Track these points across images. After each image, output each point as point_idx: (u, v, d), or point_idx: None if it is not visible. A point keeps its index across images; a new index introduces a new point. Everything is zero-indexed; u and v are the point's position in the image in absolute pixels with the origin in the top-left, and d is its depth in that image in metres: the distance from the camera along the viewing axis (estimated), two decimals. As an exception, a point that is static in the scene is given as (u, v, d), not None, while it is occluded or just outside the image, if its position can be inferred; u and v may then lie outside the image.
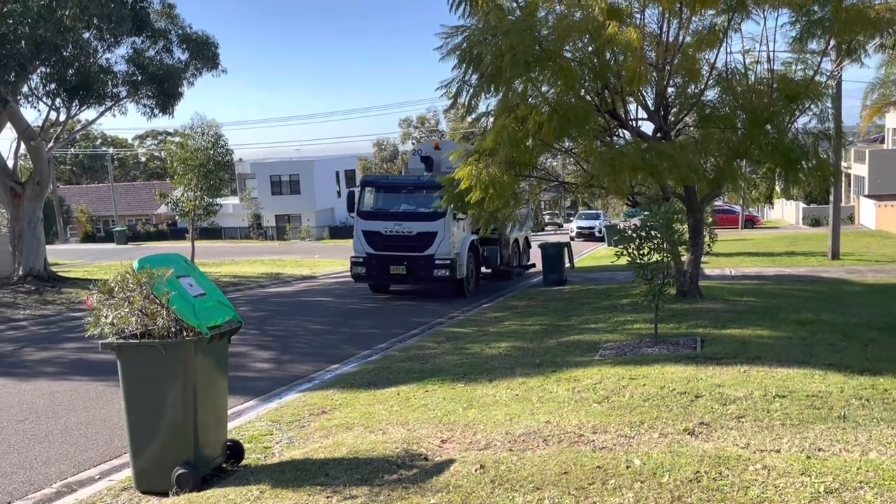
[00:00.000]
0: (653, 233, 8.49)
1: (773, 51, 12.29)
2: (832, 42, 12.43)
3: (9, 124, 19.41)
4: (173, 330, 4.78)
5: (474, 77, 11.41)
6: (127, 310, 4.74)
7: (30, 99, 19.44)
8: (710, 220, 22.72)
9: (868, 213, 37.61)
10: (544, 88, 11.43)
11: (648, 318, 9.57)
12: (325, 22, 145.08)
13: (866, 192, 39.23)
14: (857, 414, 5.40)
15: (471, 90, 11.63)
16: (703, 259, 15.92)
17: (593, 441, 5.11)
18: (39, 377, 9.26)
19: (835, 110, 13.57)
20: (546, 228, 55.76)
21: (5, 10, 16.34)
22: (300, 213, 54.88)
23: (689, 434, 5.12)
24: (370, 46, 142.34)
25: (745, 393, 6.06)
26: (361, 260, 16.57)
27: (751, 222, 46.08)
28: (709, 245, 21.46)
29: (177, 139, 27.76)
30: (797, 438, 4.88)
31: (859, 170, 41.92)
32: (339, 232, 50.94)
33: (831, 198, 22.65)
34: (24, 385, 8.81)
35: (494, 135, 11.49)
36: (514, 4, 12.91)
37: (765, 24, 12.03)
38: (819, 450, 4.65)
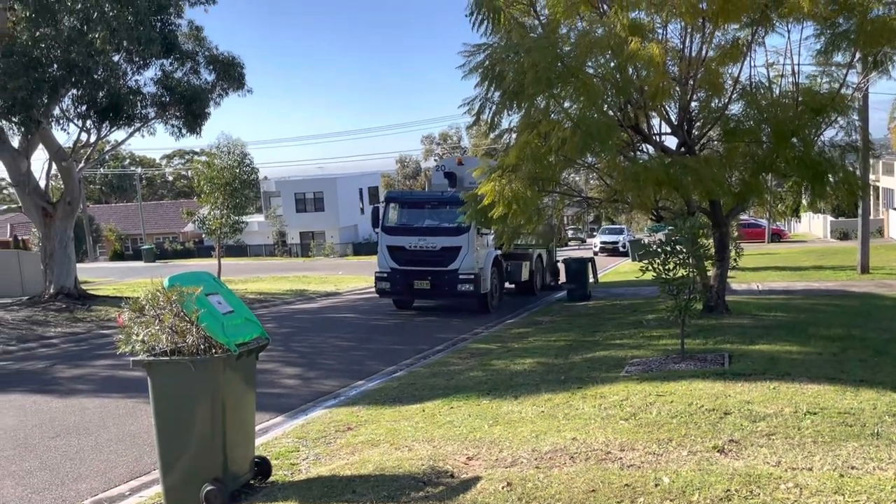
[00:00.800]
0: (678, 247, 8.44)
1: (798, 64, 12.21)
2: (858, 54, 12.31)
3: (41, 146, 19.84)
4: (202, 347, 4.85)
5: (497, 94, 11.48)
6: (157, 327, 4.81)
7: (61, 121, 19.87)
8: (736, 234, 22.50)
9: (898, 225, 36.99)
10: (567, 104, 11.45)
11: (675, 333, 9.50)
12: (347, 42, 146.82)
13: (895, 205, 38.58)
14: (891, 431, 5.30)
15: (493, 107, 11.69)
16: (730, 274, 15.74)
17: (621, 458, 5.07)
18: (71, 394, 9.41)
19: (862, 123, 13.43)
20: (569, 244, 55.54)
21: (38, 34, 16.77)
22: (324, 229, 55.29)
23: (718, 452, 5.06)
24: (392, 65, 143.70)
25: (775, 410, 5.98)
26: (386, 275, 16.66)
27: (777, 236, 45.55)
28: (735, 260, 21.23)
29: (203, 158, 28.18)
30: (829, 456, 4.81)
31: (888, 182, 41.30)
32: (363, 248, 51.22)
33: (859, 211, 22.31)
34: (56, 402, 8.95)
35: (517, 150, 11.52)
36: (536, 22, 12.98)
37: (789, 37, 11.97)
38: (852, 468, 4.58)
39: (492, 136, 14.34)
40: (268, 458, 5.59)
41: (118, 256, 58.84)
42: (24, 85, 15.67)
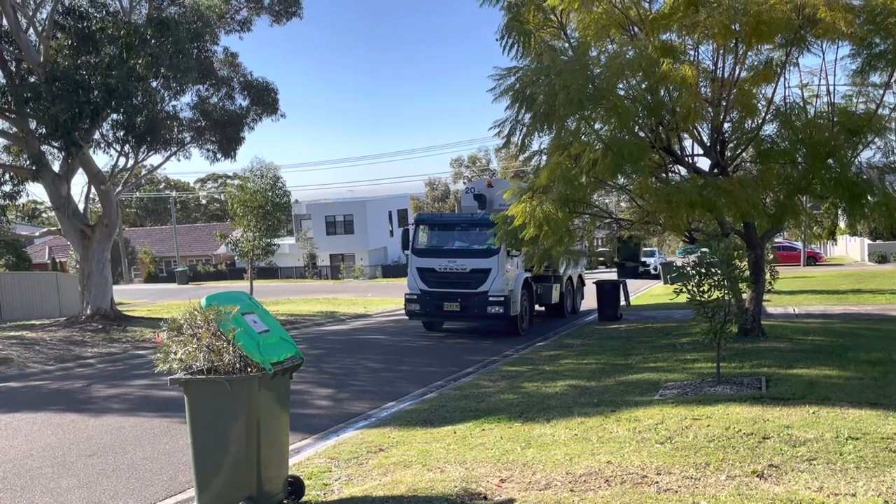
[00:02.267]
0: (713, 269, 8.34)
1: (834, 84, 12.09)
2: (895, 75, 12.15)
3: (80, 170, 20.36)
4: (238, 366, 4.90)
5: (527, 116, 11.53)
6: (195, 346, 4.88)
7: (101, 145, 20.40)
8: (771, 256, 22.15)
9: (939, 248, 36.13)
10: (598, 126, 11.45)
11: (710, 356, 9.35)
12: (378, 65, 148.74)
13: (936, 227, 37.73)
14: (938, 458, 5.15)
15: (524, 129, 11.74)
16: (765, 297, 15.49)
17: (657, 482, 4.99)
18: (107, 413, 9.54)
19: (900, 143, 13.19)
20: (599, 266, 55.13)
21: (79, 61, 17.29)
22: (354, 252, 55.70)
23: (757, 476, 4.96)
24: (423, 88, 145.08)
25: (815, 434, 5.85)
26: (415, 297, 16.69)
27: (813, 259, 44.75)
28: (770, 282, 20.88)
29: (237, 182, 28.65)
30: (873, 482, 4.68)
31: (928, 204, 40.41)
32: (392, 271, 51.46)
33: (899, 233, 21.85)
34: (92, 420, 9.09)
35: (548, 172, 11.53)
36: (566, 45, 13.05)
37: (823, 57, 11.86)
38: (898, 495, 4.45)
39: (522, 158, 14.41)
40: (301, 477, 5.60)
41: (152, 278, 59.83)
42: (67, 109, 16.12)
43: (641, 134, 11.80)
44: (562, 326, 17.91)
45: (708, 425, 6.38)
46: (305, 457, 6.81)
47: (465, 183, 64.06)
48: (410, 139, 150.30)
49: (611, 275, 28.19)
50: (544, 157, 12.61)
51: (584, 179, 11.67)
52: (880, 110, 11.88)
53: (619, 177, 12.41)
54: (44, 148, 18.97)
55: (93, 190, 20.98)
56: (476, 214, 17.29)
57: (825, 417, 6.40)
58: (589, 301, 20.89)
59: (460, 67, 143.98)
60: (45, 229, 28.65)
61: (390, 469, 6.08)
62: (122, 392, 11.13)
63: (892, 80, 12.33)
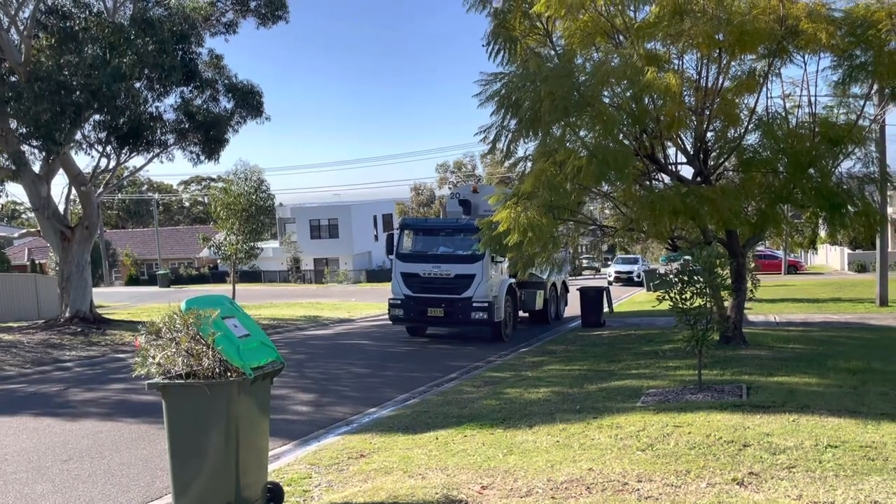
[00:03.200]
0: (695, 276, 8.38)
1: (815, 95, 12.24)
2: (875, 86, 12.32)
3: (61, 170, 20.13)
4: (218, 371, 4.84)
5: (513, 122, 11.57)
6: (173, 350, 4.81)
7: (82, 146, 20.18)
8: (753, 265, 22.35)
9: (917, 258, 36.59)
10: (583, 133, 11.51)
11: (691, 364, 9.39)
12: (363, 70, 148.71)
13: (914, 237, 38.25)
14: (915, 466, 5.19)
15: (509, 135, 11.78)
16: (746, 305, 15.62)
17: (638, 490, 4.99)
18: (84, 417, 9.41)
19: (879, 154, 13.36)
20: (584, 273, 55.36)
21: (62, 60, 17.11)
22: (338, 256, 55.52)
23: (737, 484, 4.97)
24: (408, 93, 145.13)
25: (795, 442, 5.88)
26: (399, 302, 16.64)
27: (794, 268, 45.20)
28: (751, 291, 21.07)
29: (220, 185, 28.46)
30: (852, 490, 4.71)
31: (906, 214, 40.96)
32: (376, 275, 51.31)
33: (877, 243, 22.13)
34: (69, 425, 8.95)
35: (533, 178, 11.55)
36: (552, 52, 13.12)
37: (805, 68, 12.02)
38: (875, 502, 4.48)
39: (507, 164, 14.41)
40: (280, 484, 5.54)
41: (133, 281, 59.26)
42: (48, 109, 15.93)
43: (626, 142, 11.86)
44: (545, 333, 17.93)
45: (689, 432, 6.39)
46: (285, 463, 6.74)
47: (450, 188, 64.09)
48: (396, 144, 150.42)
49: (594, 282, 28.31)
50: (529, 164, 12.65)
51: (568, 186, 11.70)
52: (861, 121, 12.05)
53: (604, 184, 12.49)
54: (24, 148, 18.74)
55: (73, 191, 20.76)
56: (461, 220, 17.28)
57: (805, 425, 6.43)
58: (572, 307, 20.94)
59: (446, 73, 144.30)
60: (24, 230, 28.36)
61: (371, 475, 6.04)
62: (100, 396, 10.99)
63: (873, 92, 12.51)
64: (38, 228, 20.63)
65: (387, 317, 17.60)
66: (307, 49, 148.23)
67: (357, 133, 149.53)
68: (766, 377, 9.16)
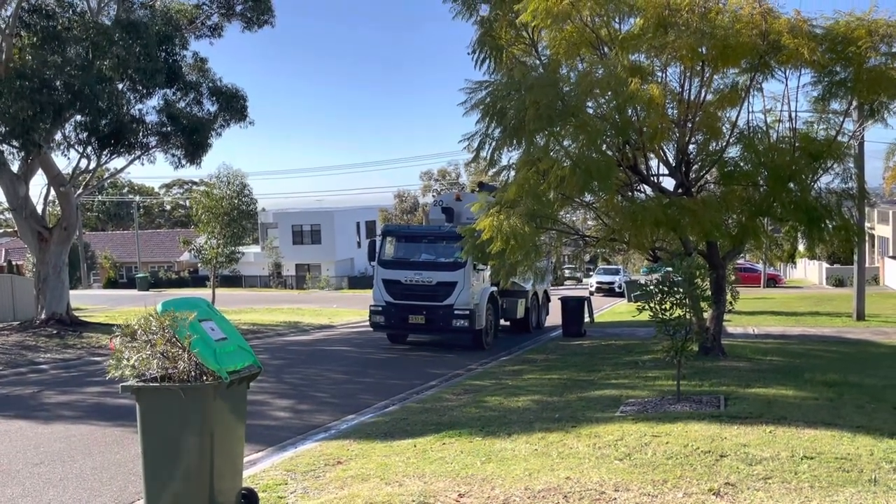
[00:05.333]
0: (675, 287, 8.41)
1: (796, 110, 12.39)
2: (855, 102, 12.49)
3: (40, 171, 19.88)
4: (193, 374, 4.77)
5: (497, 130, 11.57)
6: (149, 353, 4.75)
7: (62, 146, 19.96)
8: (732, 277, 22.52)
9: (893, 274, 37.11)
10: (566, 143, 11.55)
11: (670, 374, 9.42)
12: (348, 76, 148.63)
13: (891, 254, 38.78)
14: (889, 478, 5.23)
15: (493, 143, 11.77)
16: (725, 317, 15.72)
17: (615, 499, 4.98)
18: (57, 420, 9.26)
19: (858, 170, 13.54)
20: (566, 283, 55.52)
21: (45, 60, 16.93)
22: (320, 262, 55.25)
23: (714, 494, 4.98)
24: (393, 101, 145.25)
25: (771, 453, 5.90)
26: (381, 308, 16.57)
27: (773, 281, 45.59)
28: (731, 303, 21.22)
29: (202, 188, 28.29)
30: (827, 501, 4.73)
31: (883, 231, 41.54)
32: (358, 282, 51.12)
33: (855, 258, 22.40)
34: (41, 428, 8.81)
35: (516, 187, 11.58)
36: (537, 62, 13.17)
37: (787, 83, 12.15)
38: (850, 514, 4.50)
39: (491, 172, 14.43)
40: (255, 490, 5.47)
41: (112, 284, 58.57)
42: (29, 107, 15.74)
43: (609, 152, 11.92)
44: (526, 341, 17.94)
45: (667, 442, 6.40)
46: (261, 469, 6.67)
47: (434, 196, 64.09)
48: (380, 151, 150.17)
49: (576, 292, 28.38)
50: (513, 172, 12.66)
51: (552, 195, 11.74)
52: (840, 137, 12.20)
53: (587, 194, 12.52)
54: (3, 147, 18.49)
55: (52, 192, 20.50)
56: (443, 227, 17.27)
57: (781, 437, 6.47)
58: (554, 317, 20.97)
59: (432, 81, 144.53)
60: (0, 230, 27.92)
61: (348, 482, 5.99)
62: (75, 399, 10.83)
63: (852, 108, 12.68)
64: (16, 229, 20.35)
65: (368, 323, 17.52)
66: (292, 54, 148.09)
67: (341, 139, 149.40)
68: (744, 388, 9.21)
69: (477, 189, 18.59)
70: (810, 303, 28.25)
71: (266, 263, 56.31)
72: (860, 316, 20.99)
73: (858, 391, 8.89)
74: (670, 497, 4.97)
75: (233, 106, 21.64)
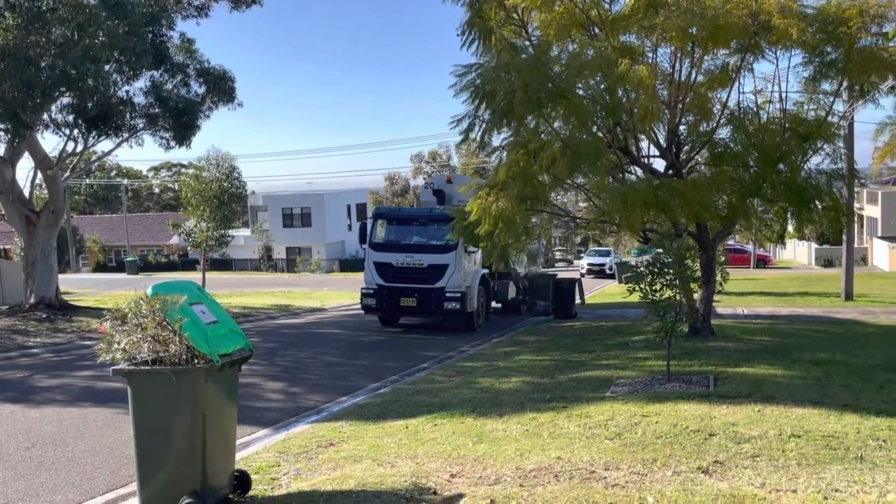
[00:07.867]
0: (665, 268, 8.45)
1: (786, 91, 12.40)
2: (845, 83, 12.50)
3: (27, 154, 19.68)
4: (184, 357, 4.77)
5: (487, 113, 11.50)
6: (139, 336, 4.74)
7: (49, 127, 19.73)
8: (722, 259, 22.64)
9: (881, 254, 37.40)
10: (556, 124, 11.52)
11: (660, 355, 9.49)
12: (338, 57, 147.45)
13: (879, 234, 39.06)
14: (875, 455, 5.30)
15: (483, 125, 11.71)
16: (715, 298, 15.82)
17: (605, 478, 5.03)
18: (49, 404, 9.25)
19: (847, 150, 13.60)
20: (556, 265, 55.70)
21: (30, 39, 16.68)
22: (311, 245, 55.09)
23: (703, 472, 5.04)
24: (384, 82, 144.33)
25: (759, 432, 5.97)
26: (372, 291, 16.58)
27: (762, 262, 45.87)
28: (721, 284, 21.34)
29: (191, 171, 28.10)
30: (814, 479, 4.79)
31: (872, 211, 41.82)
32: (350, 265, 51.04)
33: (844, 238, 22.55)
34: (33, 412, 8.80)
35: (506, 169, 11.55)
36: (527, 43, 13.08)
37: (777, 64, 12.14)
38: (836, 490, 4.57)
39: (482, 155, 14.40)
40: (248, 472, 5.49)
41: (101, 268, 58.27)
42: (15, 86, 15.53)
43: (599, 134, 11.90)
44: (518, 323, 18.01)
45: (657, 422, 6.46)
46: (254, 451, 6.69)
47: (425, 178, 63.97)
48: (371, 133, 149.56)
49: (567, 274, 28.46)
50: (503, 154, 12.64)
51: (542, 177, 11.72)
52: (830, 117, 12.22)
53: (577, 175, 12.51)
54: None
55: (39, 175, 20.31)
56: (434, 210, 17.24)
57: (769, 415, 6.54)
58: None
59: (423, 63, 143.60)
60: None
61: (340, 463, 6.02)
62: (66, 383, 10.81)
63: (842, 89, 12.70)
64: (3, 213, 20.17)
65: (359, 306, 17.54)
66: (281, 35, 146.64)
67: (331, 121, 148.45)
68: (733, 368, 9.29)
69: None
70: (799, 283, 28.45)
71: (256, 247, 56.10)
72: (849, 296, 21.17)
73: (846, 370, 8.98)
74: (659, 475, 5.02)
75: (220, 87, 21.42)
